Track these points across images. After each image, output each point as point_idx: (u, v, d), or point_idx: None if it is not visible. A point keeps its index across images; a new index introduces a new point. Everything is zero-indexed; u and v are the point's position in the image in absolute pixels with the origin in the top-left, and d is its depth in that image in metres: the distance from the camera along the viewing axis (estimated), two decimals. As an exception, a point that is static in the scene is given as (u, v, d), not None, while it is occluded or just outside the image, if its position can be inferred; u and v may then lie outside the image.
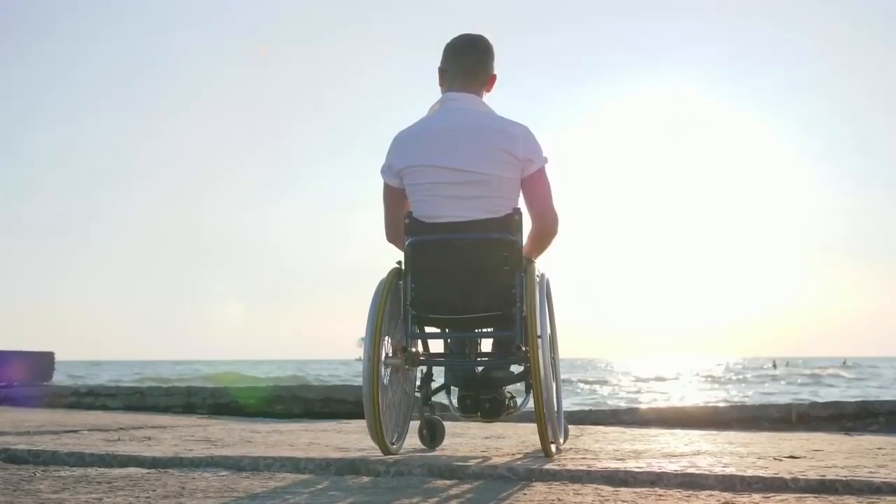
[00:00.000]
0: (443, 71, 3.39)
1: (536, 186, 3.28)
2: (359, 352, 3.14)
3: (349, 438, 4.12)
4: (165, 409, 7.04)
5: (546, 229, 3.34)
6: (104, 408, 7.21)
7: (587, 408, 8.51)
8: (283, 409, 6.78)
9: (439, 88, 3.40)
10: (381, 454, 3.13)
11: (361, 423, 3.12)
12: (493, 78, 3.41)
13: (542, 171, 3.28)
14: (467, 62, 3.35)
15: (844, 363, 67.85)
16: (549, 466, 2.76)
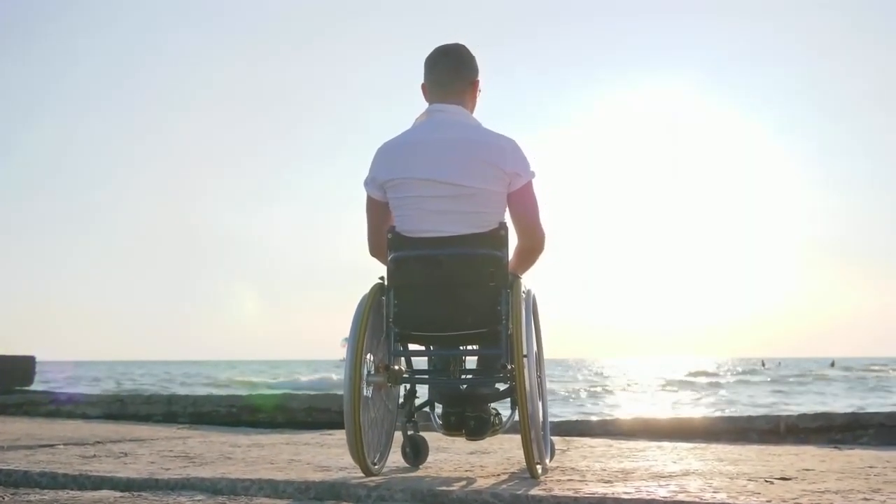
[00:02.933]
0: (424, 87, 3.32)
1: (523, 201, 3.20)
2: (342, 352, 3.06)
3: (331, 454, 4.03)
4: (146, 418, 6.92)
5: (532, 246, 3.27)
6: (84, 416, 7.08)
7: (574, 418, 8.44)
8: (266, 418, 6.68)
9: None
10: (362, 474, 3.05)
11: (344, 435, 3.03)
12: (475, 84, 3.32)
13: (529, 186, 3.20)
14: (442, 73, 3.27)
15: (832, 365, 68.10)
16: (534, 492, 2.68)
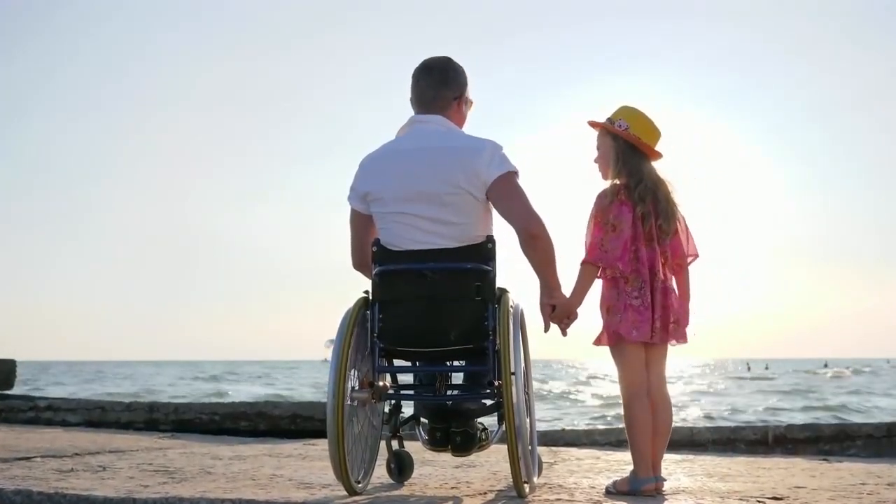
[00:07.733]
0: (411, 100, 3.25)
1: (504, 192, 3.04)
2: (327, 353, 2.99)
3: (314, 468, 3.96)
4: (127, 425, 6.81)
5: (531, 232, 3.04)
6: (64, 423, 6.96)
7: (560, 427, 8.38)
8: (249, 426, 6.59)
9: None
10: (346, 493, 2.98)
11: (327, 446, 2.96)
12: (460, 100, 3.23)
13: (508, 176, 3.05)
14: (424, 90, 3.21)
15: (825, 366, 68.40)
16: (522, 514, 2.62)
